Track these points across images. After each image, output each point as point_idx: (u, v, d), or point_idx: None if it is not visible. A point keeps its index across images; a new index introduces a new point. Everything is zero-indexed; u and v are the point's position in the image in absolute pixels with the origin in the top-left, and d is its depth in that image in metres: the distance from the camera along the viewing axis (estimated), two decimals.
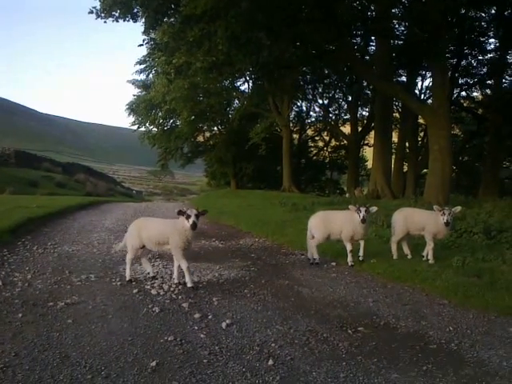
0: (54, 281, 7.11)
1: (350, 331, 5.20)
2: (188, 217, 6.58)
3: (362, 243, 8.70)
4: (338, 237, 8.73)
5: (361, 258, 8.66)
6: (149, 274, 7.43)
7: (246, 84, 35.81)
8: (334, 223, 8.71)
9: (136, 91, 40.56)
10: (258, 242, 11.56)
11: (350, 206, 8.66)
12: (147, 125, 38.72)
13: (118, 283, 7.04)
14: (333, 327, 5.32)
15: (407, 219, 8.79)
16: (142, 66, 36.16)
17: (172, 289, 6.72)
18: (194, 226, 6.58)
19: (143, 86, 38.64)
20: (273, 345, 4.76)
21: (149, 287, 6.81)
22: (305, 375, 4.10)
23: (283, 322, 5.46)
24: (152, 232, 7.00)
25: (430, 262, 8.40)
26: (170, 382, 3.94)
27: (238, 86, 35.98)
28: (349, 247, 8.59)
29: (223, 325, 5.27)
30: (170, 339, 4.84)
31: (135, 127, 39.11)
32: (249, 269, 8.31)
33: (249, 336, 4.99)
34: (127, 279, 7.17)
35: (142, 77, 38.13)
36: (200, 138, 42.55)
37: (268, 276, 7.70)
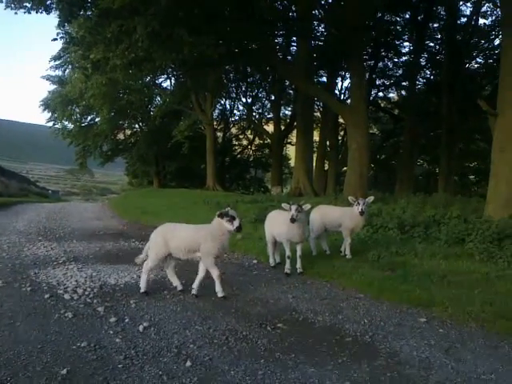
0: None
1: (269, 328, 5.21)
2: (233, 219, 6.17)
3: (298, 248, 7.78)
4: (279, 239, 8.00)
5: (299, 270, 7.74)
6: (176, 287, 6.71)
7: (168, 81, 35.36)
8: (274, 224, 8.10)
9: (52, 87, 38.89)
10: None
11: (283, 204, 7.63)
12: (63, 121, 37.19)
13: (28, 288, 6.62)
14: (252, 325, 5.31)
15: (323, 216, 8.94)
16: (58, 62, 34.64)
17: (87, 293, 6.41)
18: (239, 228, 6.21)
19: (59, 81, 37.01)
20: (191, 346, 4.67)
21: (62, 292, 6.46)
22: (223, 375, 4.06)
23: (203, 321, 5.39)
24: (182, 239, 6.46)
25: (347, 257, 8.67)
26: None
27: (160, 83, 35.41)
28: (287, 251, 7.71)
29: (140, 328, 5.10)
30: (83, 345, 4.61)
31: (51, 123, 37.46)
32: None
33: (167, 338, 4.86)
34: (142, 291, 6.44)
35: (58, 73, 36.54)
36: (120, 136, 41.51)
37: (188, 276, 7.55)
